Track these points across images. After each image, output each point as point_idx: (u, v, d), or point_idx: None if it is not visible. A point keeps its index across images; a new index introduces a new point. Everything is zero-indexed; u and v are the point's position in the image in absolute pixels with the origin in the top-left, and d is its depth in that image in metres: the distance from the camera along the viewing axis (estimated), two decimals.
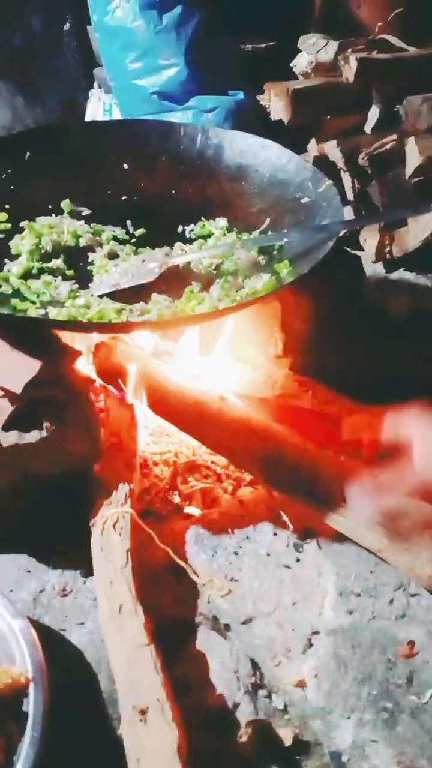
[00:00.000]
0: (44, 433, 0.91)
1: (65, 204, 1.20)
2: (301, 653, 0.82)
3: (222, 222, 1.18)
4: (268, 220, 1.16)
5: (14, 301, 0.98)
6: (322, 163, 1.59)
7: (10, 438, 0.90)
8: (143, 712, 0.71)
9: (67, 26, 1.97)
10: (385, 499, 0.73)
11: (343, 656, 0.80)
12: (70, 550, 0.97)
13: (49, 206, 1.20)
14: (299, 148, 1.68)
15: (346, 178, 1.60)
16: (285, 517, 0.95)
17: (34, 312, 0.96)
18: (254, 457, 0.97)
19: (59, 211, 1.20)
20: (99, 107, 1.99)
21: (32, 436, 0.90)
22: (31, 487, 0.96)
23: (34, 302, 0.99)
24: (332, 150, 1.56)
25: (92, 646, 0.85)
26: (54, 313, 0.95)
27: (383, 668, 0.78)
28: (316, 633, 0.84)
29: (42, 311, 0.96)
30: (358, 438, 0.89)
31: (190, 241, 1.17)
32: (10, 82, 1.96)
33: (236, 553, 0.94)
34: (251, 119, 1.68)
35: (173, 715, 0.70)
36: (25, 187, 1.20)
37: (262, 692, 0.79)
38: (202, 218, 1.19)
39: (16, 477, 0.93)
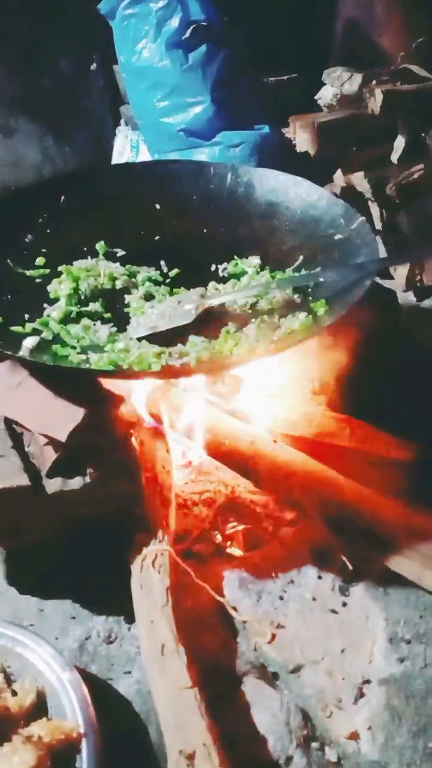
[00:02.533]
0: (87, 479, 0.91)
1: (100, 246, 1.22)
2: (352, 703, 0.80)
3: (255, 260, 1.18)
4: (301, 258, 1.16)
5: (55, 347, 0.99)
6: (350, 194, 1.60)
7: (54, 485, 0.90)
8: (190, 757, 0.71)
9: (93, 66, 2.02)
10: None
11: (396, 707, 0.78)
12: (113, 596, 0.97)
13: (85, 248, 1.22)
14: (325, 179, 1.69)
15: (374, 209, 1.60)
16: (345, 560, 0.93)
17: (75, 357, 0.97)
18: (310, 498, 0.96)
19: (94, 253, 1.22)
20: (126, 144, 2.02)
21: (76, 483, 0.91)
22: (74, 532, 0.96)
23: (74, 347, 0.99)
24: (359, 181, 1.57)
25: (140, 696, 0.84)
26: (95, 358, 0.96)
27: None
28: (367, 682, 0.82)
29: (83, 356, 0.97)
30: None
31: (223, 280, 1.18)
32: (40, 122, 2.01)
33: (281, 598, 0.93)
34: (277, 153, 1.70)
35: (220, 761, 0.70)
36: (60, 230, 1.22)
37: (314, 745, 0.78)
38: (235, 257, 1.20)
39: (60, 523, 0.93)
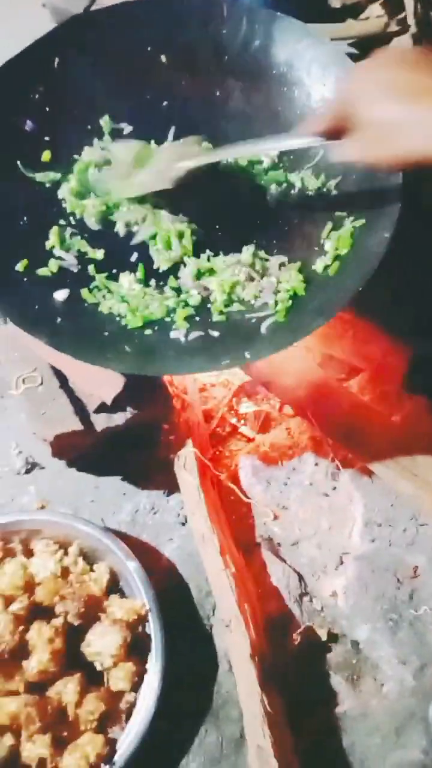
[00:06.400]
0: (129, 415, 1.08)
1: (105, 122, 1.14)
2: (334, 569, 1.13)
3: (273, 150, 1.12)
4: (321, 154, 1.10)
5: (84, 293, 1.02)
6: None
7: (101, 420, 1.08)
8: (227, 625, 1.05)
9: None
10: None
11: (365, 578, 1.10)
12: (153, 474, 1.21)
13: (89, 127, 1.14)
14: None
15: (409, 2, 1.38)
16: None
17: (104, 307, 1.01)
18: (310, 405, 1.14)
19: (100, 133, 1.14)
20: None
21: (119, 417, 1.08)
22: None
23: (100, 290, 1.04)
24: None
25: (181, 559, 1.16)
26: (122, 309, 1.01)
27: (393, 588, 1.09)
28: (346, 553, 1.13)
29: (111, 304, 1.02)
30: None
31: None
32: None
33: (285, 484, 1.18)
34: None
35: (245, 627, 1.04)
36: (60, 106, 1.12)
37: (306, 599, 1.12)
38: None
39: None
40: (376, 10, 1.48)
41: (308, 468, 1.19)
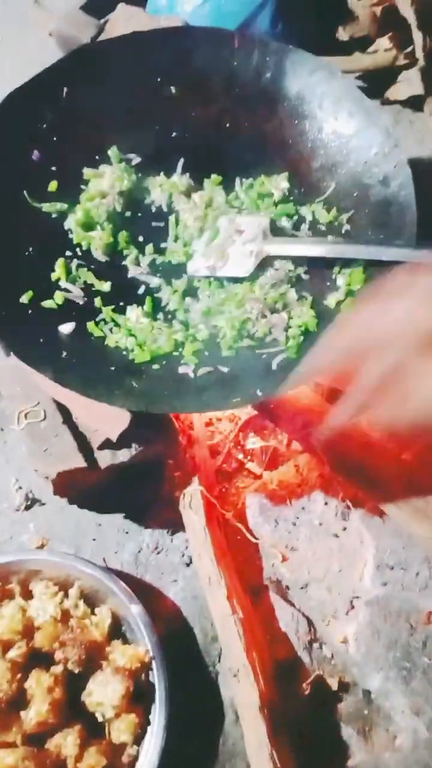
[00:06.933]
0: (133, 451, 1.05)
1: (113, 153, 1.12)
2: (345, 614, 1.09)
3: (283, 183, 1.11)
4: (333, 186, 1.09)
5: (90, 326, 1.00)
6: (391, 18, 1.36)
7: (105, 457, 1.04)
8: (235, 675, 1.00)
9: None
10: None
11: (377, 625, 1.06)
12: (156, 512, 1.18)
13: (97, 157, 1.12)
14: None
15: (418, 36, 1.38)
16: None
17: (111, 341, 0.99)
18: (319, 441, 1.10)
19: (108, 163, 1.12)
20: None
21: (123, 455, 1.05)
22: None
23: (106, 322, 1.01)
24: (404, 6, 1.32)
25: (186, 601, 1.12)
26: (129, 343, 0.99)
27: (406, 634, 1.05)
28: (357, 597, 1.09)
29: (117, 337, 1.00)
30: None
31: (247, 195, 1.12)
32: None
33: (294, 524, 1.15)
34: None
35: (254, 677, 1.00)
36: (67, 136, 1.10)
37: (315, 645, 1.08)
38: (263, 175, 1.12)
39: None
40: (384, 44, 1.49)
41: (317, 507, 1.15)
